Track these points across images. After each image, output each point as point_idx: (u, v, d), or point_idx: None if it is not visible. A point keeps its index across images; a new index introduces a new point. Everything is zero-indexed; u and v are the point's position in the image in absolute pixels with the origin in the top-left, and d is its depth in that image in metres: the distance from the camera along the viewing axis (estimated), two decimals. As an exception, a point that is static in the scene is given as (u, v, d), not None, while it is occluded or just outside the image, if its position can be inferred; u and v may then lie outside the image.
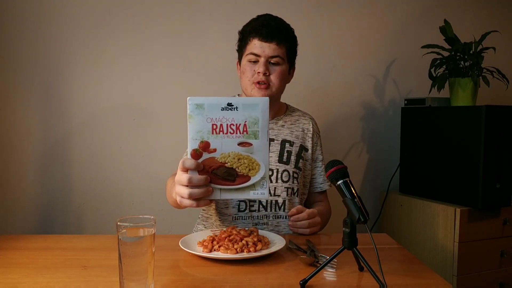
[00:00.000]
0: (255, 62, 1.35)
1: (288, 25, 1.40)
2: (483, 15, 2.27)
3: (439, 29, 1.87)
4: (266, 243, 1.09)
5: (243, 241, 1.06)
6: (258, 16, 1.39)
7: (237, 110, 0.95)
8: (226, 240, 1.07)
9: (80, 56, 1.90)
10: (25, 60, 1.86)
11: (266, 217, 1.36)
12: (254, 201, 1.34)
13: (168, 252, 1.10)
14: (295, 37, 1.42)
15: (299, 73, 2.08)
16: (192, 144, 0.95)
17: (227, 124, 0.95)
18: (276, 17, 1.39)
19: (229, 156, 0.96)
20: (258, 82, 1.35)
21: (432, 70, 1.90)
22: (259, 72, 1.34)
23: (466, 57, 1.82)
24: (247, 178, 0.97)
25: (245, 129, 0.96)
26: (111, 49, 1.92)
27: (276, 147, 1.41)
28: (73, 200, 1.92)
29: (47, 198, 1.90)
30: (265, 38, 1.33)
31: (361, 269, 0.97)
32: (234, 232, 1.11)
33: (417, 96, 2.11)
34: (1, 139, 1.86)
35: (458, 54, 1.83)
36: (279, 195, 1.36)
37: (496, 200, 1.69)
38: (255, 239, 1.08)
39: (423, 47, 1.89)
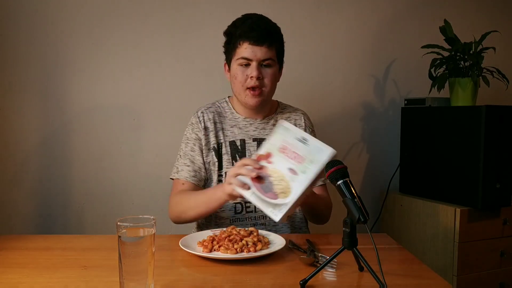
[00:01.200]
0: (247, 66, 1.33)
1: (275, 24, 1.37)
2: (483, 15, 2.27)
3: (439, 29, 1.87)
4: (266, 243, 1.09)
5: (243, 241, 1.06)
6: (245, 18, 1.36)
7: (307, 145, 1.07)
8: (226, 240, 1.07)
9: (80, 56, 1.90)
10: (24, 60, 1.86)
11: (263, 218, 1.36)
12: (250, 202, 1.34)
13: (168, 252, 1.10)
14: (282, 36, 1.39)
15: (300, 73, 2.08)
16: (261, 150, 1.12)
17: (292, 150, 1.08)
18: (263, 18, 1.36)
19: (276, 173, 1.07)
20: (252, 88, 1.33)
21: (432, 70, 1.90)
22: (252, 77, 1.31)
23: (466, 57, 1.82)
24: (275, 196, 1.05)
25: (301, 161, 1.05)
26: (111, 49, 1.91)
27: None
28: (73, 200, 1.92)
29: (47, 198, 1.90)
30: (256, 41, 1.30)
31: (361, 269, 0.97)
32: (234, 232, 1.11)
33: (417, 96, 2.11)
34: (1, 139, 1.86)
35: (458, 54, 1.83)
36: None
37: (496, 200, 1.69)
38: (255, 239, 1.08)
39: (423, 47, 1.89)
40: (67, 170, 1.91)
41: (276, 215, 1.03)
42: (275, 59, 1.35)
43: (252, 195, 1.07)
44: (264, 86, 1.34)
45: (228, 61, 1.40)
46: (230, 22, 1.40)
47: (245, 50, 1.31)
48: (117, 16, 1.91)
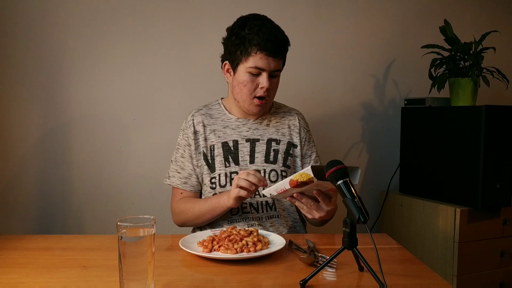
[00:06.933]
0: (257, 75, 1.32)
1: (285, 34, 1.36)
2: (483, 15, 2.27)
3: (439, 29, 1.87)
4: (266, 243, 1.09)
5: (243, 241, 1.06)
6: (258, 24, 1.30)
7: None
8: (226, 240, 1.07)
9: (80, 56, 1.90)
10: (24, 60, 1.86)
11: (259, 219, 1.36)
12: (245, 203, 1.35)
13: (168, 252, 1.10)
14: None
15: (299, 73, 2.08)
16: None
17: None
18: (276, 27, 1.33)
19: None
20: (260, 97, 1.34)
21: (432, 70, 1.90)
22: (262, 87, 1.32)
23: (466, 57, 1.82)
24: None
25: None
26: (111, 49, 1.91)
27: (262, 147, 1.40)
28: (73, 200, 1.92)
29: (47, 198, 1.90)
30: (271, 53, 1.29)
31: (361, 269, 0.97)
32: (234, 232, 1.12)
33: (417, 96, 2.11)
34: (1, 139, 1.86)
35: (458, 54, 1.83)
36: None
37: (496, 200, 1.69)
38: (255, 239, 1.08)
39: (423, 47, 1.89)
40: (67, 170, 1.91)
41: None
42: (281, 68, 1.37)
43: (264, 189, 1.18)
44: (270, 96, 1.36)
45: (234, 63, 1.35)
46: (230, 22, 1.39)
47: (260, 60, 1.29)
48: (117, 17, 1.91)
